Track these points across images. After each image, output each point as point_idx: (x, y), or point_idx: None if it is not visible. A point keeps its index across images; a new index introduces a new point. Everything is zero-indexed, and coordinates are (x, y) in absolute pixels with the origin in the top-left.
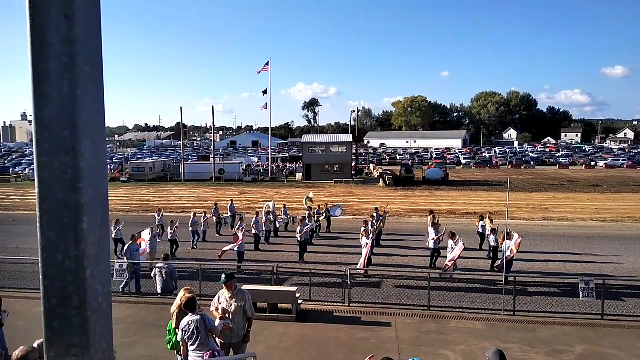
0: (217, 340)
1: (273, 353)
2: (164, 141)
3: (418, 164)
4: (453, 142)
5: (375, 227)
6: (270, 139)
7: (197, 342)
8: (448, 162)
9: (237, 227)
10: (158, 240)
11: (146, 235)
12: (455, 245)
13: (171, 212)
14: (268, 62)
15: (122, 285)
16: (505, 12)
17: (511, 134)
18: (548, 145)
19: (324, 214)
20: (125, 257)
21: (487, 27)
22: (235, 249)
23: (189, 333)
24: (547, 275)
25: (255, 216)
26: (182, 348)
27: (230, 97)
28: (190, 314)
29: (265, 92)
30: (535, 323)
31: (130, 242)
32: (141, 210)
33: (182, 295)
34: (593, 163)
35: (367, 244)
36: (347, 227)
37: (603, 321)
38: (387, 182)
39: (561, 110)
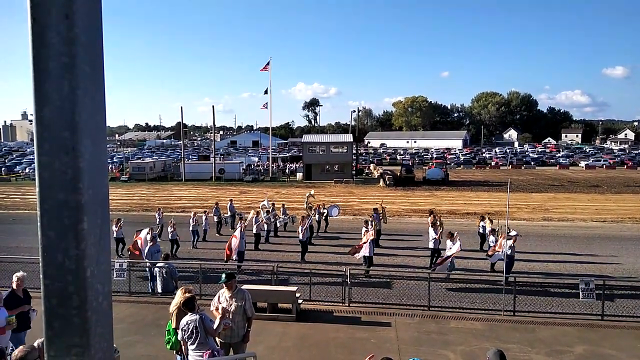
0: (217, 339)
1: (273, 353)
2: (164, 141)
3: (418, 164)
4: (453, 142)
5: (374, 225)
6: (271, 139)
7: (197, 342)
8: (448, 162)
9: (237, 226)
10: (158, 240)
11: (144, 234)
12: (453, 244)
13: (171, 211)
14: (269, 62)
15: (157, 286)
16: (505, 12)
17: (511, 134)
18: (548, 145)
19: (321, 213)
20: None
21: (487, 27)
22: (236, 246)
23: (188, 332)
24: (547, 275)
25: (255, 215)
26: (182, 347)
27: (231, 97)
28: (189, 314)
29: (266, 92)
30: (535, 323)
31: (151, 244)
32: (141, 209)
33: (180, 295)
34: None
35: (369, 235)
36: (347, 227)
37: (603, 322)
38: (388, 182)
39: (561, 111)
